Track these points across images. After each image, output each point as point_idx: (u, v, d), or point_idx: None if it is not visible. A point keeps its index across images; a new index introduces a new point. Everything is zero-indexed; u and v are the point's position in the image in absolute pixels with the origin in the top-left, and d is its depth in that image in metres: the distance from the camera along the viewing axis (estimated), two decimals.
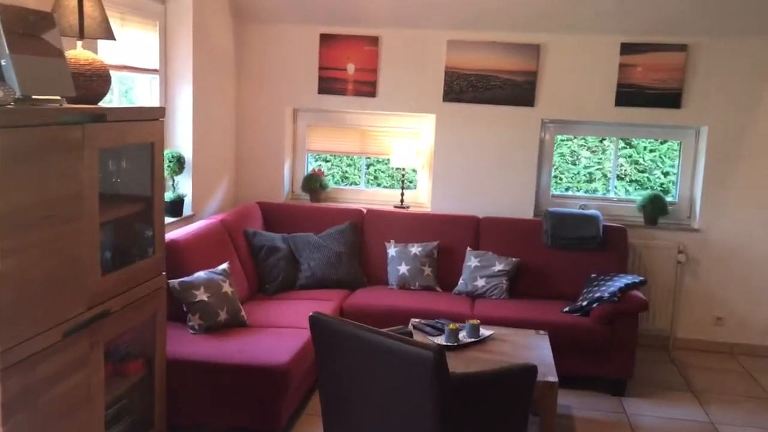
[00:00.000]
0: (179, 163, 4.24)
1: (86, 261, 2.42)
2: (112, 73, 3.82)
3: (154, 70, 4.24)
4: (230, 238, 4.24)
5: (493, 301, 4.29)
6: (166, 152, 4.22)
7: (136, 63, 4.01)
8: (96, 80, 2.73)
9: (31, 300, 2.15)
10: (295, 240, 4.55)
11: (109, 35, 2.80)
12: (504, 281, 4.38)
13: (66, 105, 2.47)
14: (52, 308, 2.26)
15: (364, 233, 4.75)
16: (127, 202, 2.86)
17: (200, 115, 4.49)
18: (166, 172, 4.22)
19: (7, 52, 2.25)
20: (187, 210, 4.41)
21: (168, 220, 4.18)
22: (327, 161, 5.73)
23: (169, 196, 4.23)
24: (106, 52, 3.63)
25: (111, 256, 2.76)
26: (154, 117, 2.86)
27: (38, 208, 2.16)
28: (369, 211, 4.83)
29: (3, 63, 2.26)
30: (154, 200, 2.89)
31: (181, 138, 4.42)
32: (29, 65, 2.34)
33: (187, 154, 4.41)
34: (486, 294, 4.37)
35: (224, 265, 3.75)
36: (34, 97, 2.38)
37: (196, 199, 4.50)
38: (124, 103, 4.06)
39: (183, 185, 4.43)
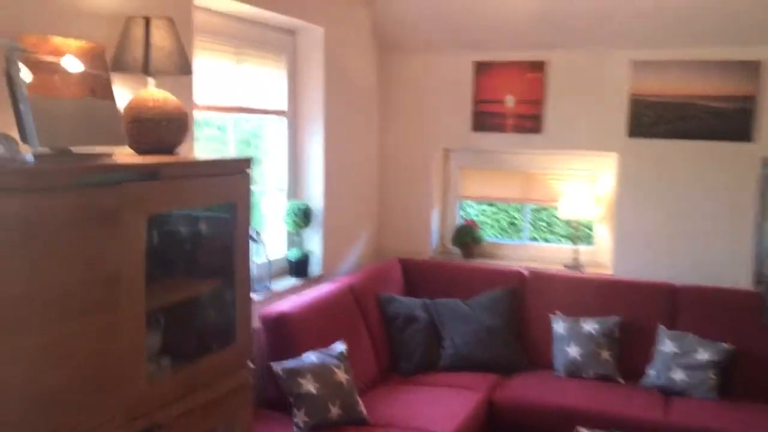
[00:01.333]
0: (305, 216, 3.67)
1: (125, 361, 1.83)
2: (226, 115, 3.34)
3: (281, 112, 3.73)
4: (359, 305, 3.56)
5: (697, 403, 3.20)
6: (291, 203, 3.68)
7: (257, 103, 3.52)
8: (166, 125, 2.19)
9: (37, 417, 1.60)
10: (438, 308, 3.78)
11: (183, 69, 2.26)
12: (712, 375, 3.28)
13: (118, 160, 1.93)
14: (65, 428, 1.68)
15: (525, 302, 3.86)
16: (202, 277, 2.28)
17: (333, 159, 3.91)
18: (289, 227, 3.67)
19: (25, 94, 1.75)
20: (315, 269, 3.82)
21: (290, 282, 3.61)
22: (491, 205, 4.93)
23: (293, 254, 3.67)
24: (212, 92, 3.15)
25: (169, 349, 2.17)
26: (236, 170, 2.26)
27: (48, 298, 1.60)
28: (532, 273, 3.94)
29: (22, 108, 1.76)
30: (236, 274, 2.28)
31: (311, 186, 3.86)
32: (58, 110, 1.83)
33: (317, 204, 3.84)
34: (686, 392, 3.29)
35: (341, 346, 3.06)
36: (75, 151, 1.87)
37: (326, 256, 3.90)
38: (242, 152, 3.58)
39: (310, 241, 3.85)
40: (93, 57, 1.97)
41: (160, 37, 2.19)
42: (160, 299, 2.02)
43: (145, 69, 2.17)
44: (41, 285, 1.60)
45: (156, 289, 1.99)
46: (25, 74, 1.76)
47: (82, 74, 1.92)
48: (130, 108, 2.20)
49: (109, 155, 1.96)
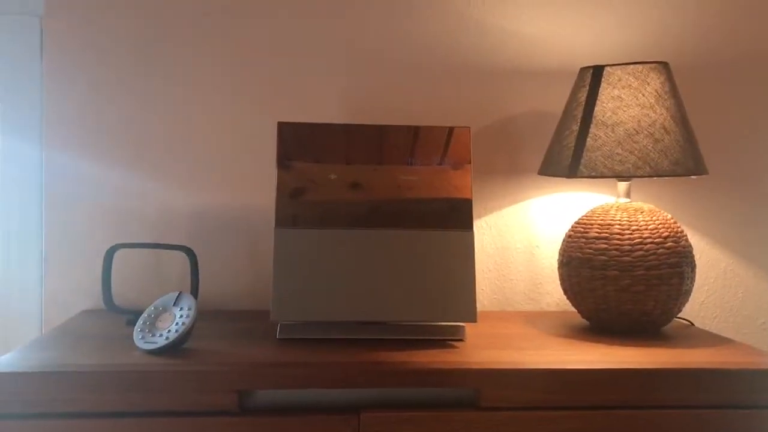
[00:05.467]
0: None
1: None
2: None
3: None
4: None
5: None
6: None
7: None
8: (627, 281, 1.07)
9: None
10: None
11: (674, 167, 1.07)
12: None
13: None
14: None
15: None
16: None
17: None
18: None
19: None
20: None
21: None
22: None
23: None
24: None
25: None
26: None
27: None
28: None
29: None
30: None
31: None
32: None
33: None
34: None
35: None
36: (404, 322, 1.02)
37: None
38: None
39: None
40: (448, 151, 1.07)
41: (614, 101, 1.09)
42: None
43: (573, 167, 1.10)
44: None
45: None
46: None
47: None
48: (565, 241, 1.17)
49: (454, 333, 1.01)
